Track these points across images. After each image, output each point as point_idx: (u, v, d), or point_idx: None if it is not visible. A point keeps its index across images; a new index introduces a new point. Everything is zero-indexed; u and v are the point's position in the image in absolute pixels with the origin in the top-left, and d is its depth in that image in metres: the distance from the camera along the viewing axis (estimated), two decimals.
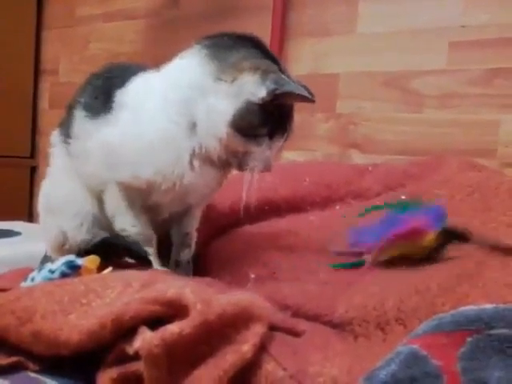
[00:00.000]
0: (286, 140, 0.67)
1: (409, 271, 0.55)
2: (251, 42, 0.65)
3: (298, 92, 0.62)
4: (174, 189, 0.66)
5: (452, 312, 0.39)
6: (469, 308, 0.39)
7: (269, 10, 1.32)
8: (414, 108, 1.15)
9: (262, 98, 0.61)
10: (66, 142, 0.74)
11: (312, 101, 0.63)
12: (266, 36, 1.27)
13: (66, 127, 0.74)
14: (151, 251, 0.71)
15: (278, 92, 0.60)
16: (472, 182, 0.76)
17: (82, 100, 0.71)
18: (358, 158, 1.21)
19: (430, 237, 0.55)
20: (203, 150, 0.65)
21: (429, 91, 1.13)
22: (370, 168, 0.98)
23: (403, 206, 0.61)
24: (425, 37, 1.14)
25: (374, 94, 1.20)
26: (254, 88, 0.61)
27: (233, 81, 0.62)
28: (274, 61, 0.65)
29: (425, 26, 1.14)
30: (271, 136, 0.64)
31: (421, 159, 0.99)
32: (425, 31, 1.14)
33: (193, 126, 0.64)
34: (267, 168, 0.66)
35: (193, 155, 0.65)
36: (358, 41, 1.23)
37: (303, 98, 0.63)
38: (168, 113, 0.65)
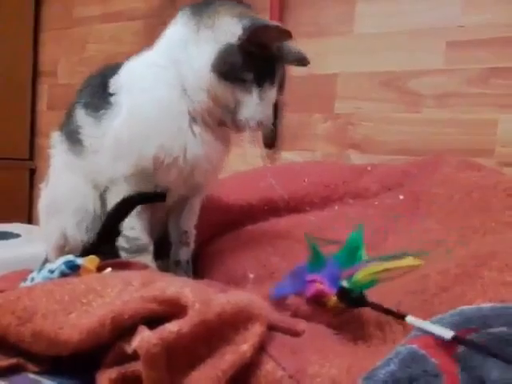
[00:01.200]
0: (281, 93, 0.67)
1: (406, 272, 0.55)
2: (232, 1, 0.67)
3: (272, 25, 0.62)
4: (177, 164, 0.66)
5: (450, 311, 0.40)
6: (466, 307, 0.40)
7: (266, 11, 1.32)
8: (412, 108, 1.16)
9: (239, 36, 0.61)
10: (68, 141, 0.74)
11: (289, 35, 0.62)
12: None
13: (69, 126, 0.74)
14: (149, 259, 0.70)
15: (252, 28, 0.61)
16: (470, 182, 0.76)
17: (83, 100, 0.72)
18: (356, 159, 1.21)
19: (334, 299, 0.50)
20: (197, 109, 0.65)
21: (427, 91, 1.14)
22: (368, 168, 0.99)
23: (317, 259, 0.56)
24: (422, 37, 1.14)
25: (372, 95, 1.20)
26: (231, 28, 0.62)
27: (212, 25, 0.63)
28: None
29: (422, 26, 1.14)
30: (260, 84, 0.64)
31: (419, 159, 0.99)
32: (422, 31, 1.14)
33: (184, 88, 0.65)
34: (265, 121, 0.65)
35: (191, 120, 0.66)
36: (356, 41, 1.23)
37: (280, 33, 0.62)
38: (161, 79, 0.66)
